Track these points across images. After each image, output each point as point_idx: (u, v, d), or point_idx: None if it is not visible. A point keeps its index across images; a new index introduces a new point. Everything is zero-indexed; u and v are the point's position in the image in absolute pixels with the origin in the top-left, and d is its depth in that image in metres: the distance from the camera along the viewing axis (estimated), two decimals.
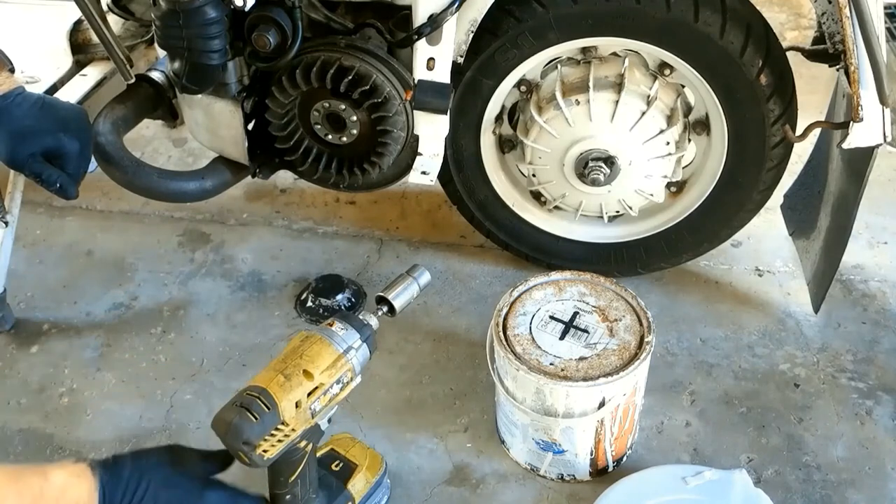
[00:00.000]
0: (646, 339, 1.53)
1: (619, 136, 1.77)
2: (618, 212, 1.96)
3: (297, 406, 1.13)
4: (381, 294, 1.31)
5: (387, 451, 1.69)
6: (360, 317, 1.26)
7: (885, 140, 1.53)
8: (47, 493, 0.94)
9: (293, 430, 1.14)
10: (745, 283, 2.06)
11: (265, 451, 1.13)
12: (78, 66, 1.90)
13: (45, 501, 0.94)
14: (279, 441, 1.13)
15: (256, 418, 1.09)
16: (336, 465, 1.47)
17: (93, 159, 1.60)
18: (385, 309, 1.31)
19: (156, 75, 1.78)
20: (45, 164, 1.44)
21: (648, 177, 1.83)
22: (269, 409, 1.10)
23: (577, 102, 1.75)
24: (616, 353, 1.51)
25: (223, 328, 1.99)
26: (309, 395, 1.15)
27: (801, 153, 2.05)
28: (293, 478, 1.25)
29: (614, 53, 1.78)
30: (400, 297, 1.31)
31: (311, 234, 2.27)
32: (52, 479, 0.96)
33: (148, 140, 2.62)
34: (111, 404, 1.82)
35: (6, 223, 1.82)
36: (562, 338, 1.55)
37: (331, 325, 1.22)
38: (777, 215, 2.12)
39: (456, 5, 1.57)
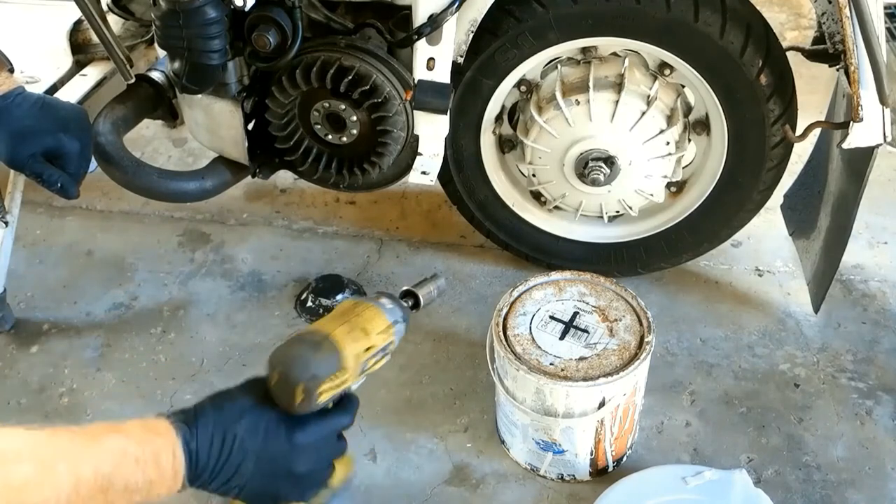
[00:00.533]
0: (646, 339, 1.53)
1: (619, 136, 1.77)
2: (618, 212, 1.96)
3: (355, 358, 1.13)
4: (409, 288, 1.32)
5: (387, 450, 1.70)
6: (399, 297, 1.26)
7: (885, 140, 1.53)
8: (130, 452, 0.83)
9: (347, 380, 1.13)
10: (745, 283, 2.06)
11: (321, 393, 1.10)
12: (78, 66, 1.90)
13: (128, 464, 0.83)
14: (335, 387, 1.10)
15: (325, 356, 1.06)
16: None
17: (93, 159, 1.60)
18: (411, 302, 1.32)
19: (156, 75, 1.78)
20: (46, 165, 1.44)
21: (648, 177, 1.83)
22: (334, 351, 1.08)
23: (577, 102, 1.75)
24: (616, 353, 1.51)
25: (223, 328, 1.99)
26: (365, 351, 1.15)
27: (801, 153, 2.05)
28: None
29: (614, 53, 1.78)
30: (425, 296, 1.32)
31: (311, 234, 2.27)
32: (132, 436, 0.85)
33: (148, 140, 2.62)
34: (111, 404, 1.81)
35: (6, 223, 1.82)
36: (562, 338, 1.55)
37: (378, 299, 1.21)
38: (777, 215, 2.12)
39: (456, 5, 1.57)
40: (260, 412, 0.96)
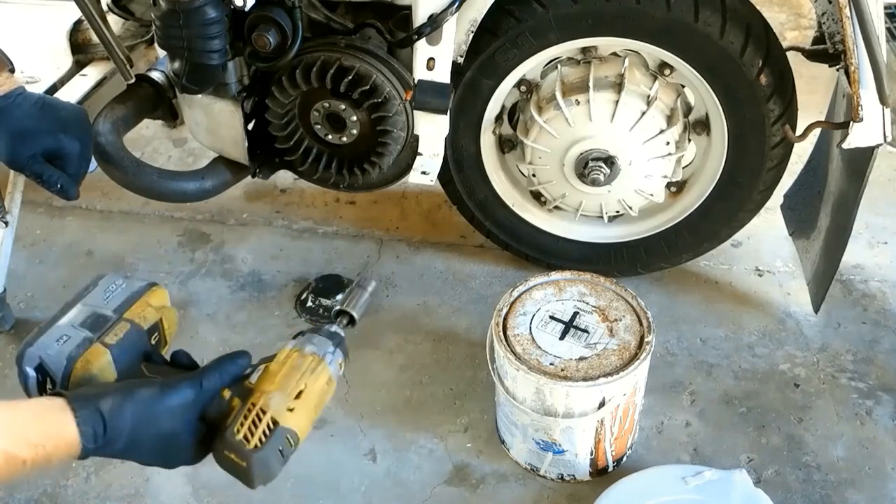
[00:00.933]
0: (646, 339, 1.53)
1: (619, 136, 1.77)
2: (618, 212, 1.96)
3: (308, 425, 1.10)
4: (341, 308, 1.29)
5: (387, 450, 1.70)
6: (329, 329, 1.23)
7: (885, 140, 1.53)
8: (28, 413, 0.88)
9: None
10: (745, 283, 2.06)
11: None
12: (78, 66, 1.90)
13: (24, 421, 0.87)
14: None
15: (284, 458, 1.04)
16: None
17: (93, 159, 1.60)
18: (346, 320, 1.30)
19: (156, 75, 1.78)
20: (46, 165, 1.43)
21: (648, 177, 1.83)
22: (293, 445, 1.05)
23: (577, 102, 1.75)
24: (616, 353, 1.51)
25: (223, 328, 1.99)
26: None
27: (801, 153, 2.05)
28: None
29: (614, 53, 1.78)
30: (359, 310, 1.30)
31: (311, 234, 2.27)
32: (30, 410, 0.89)
33: (148, 140, 2.62)
34: None
35: (6, 223, 1.82)
36: (562, 338, 1.55)
37: (304, 346, 1.18)
38: (777, 215, 2.12)
39: (456, 5, 1.57)
40: (155, 393, 0.98)
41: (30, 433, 0.85)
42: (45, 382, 1.03)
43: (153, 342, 1.12)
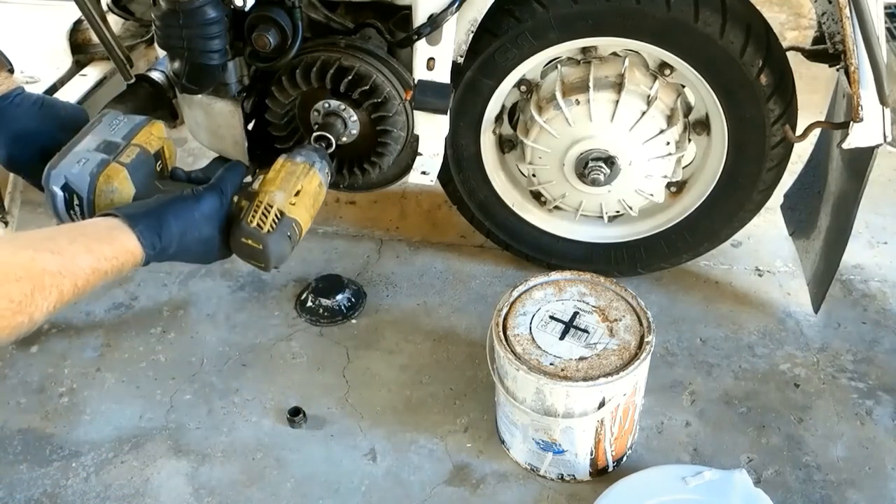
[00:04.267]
0: (646, 339, 1.53)
1: (619, 136, 1.77)
2: (618, 212, 1.96)
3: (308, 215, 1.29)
4: (319, 133, 1.53)
5: (387, 450, 1.70)
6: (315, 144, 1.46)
7: (885, 140, 1.53)
8: (94, 233, 1.02)
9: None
10: (745, 283, 2.06)
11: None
12: (78, 66, 1.90)
13: (96, 240, 1.01)
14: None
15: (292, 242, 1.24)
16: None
17: None
18: (325, 144, 1.52)
19: (156, 75, 1.78)
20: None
21: (648, 177, 1.83)
22: (299, 233, 1.25)
23: (578, 102, 1.75)
24: (616, 353, 1.51)
25: (223, 328, 1.99)
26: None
27: (801, 153, 2.05)
28: None
29: (614, 53, 1.78)
30: (335, 134, 1.51)
31: (311, 234, 2.27)
32: (97, 231, 1.04)
33: None
34: (111, 404, 1.82)
35: (6, 223, 1.81)
36: (562, 338, 1.55)
37: (294, 157, 1.34)
38: (777, 215, 2.12)
39: (456, 5, 1.57)
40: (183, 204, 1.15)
41: (105, 250, 1.00)
42: (73, 200, 1.17)
43: (159, 167, 1.28)
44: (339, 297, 2.01)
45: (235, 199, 1.20)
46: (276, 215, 1.19)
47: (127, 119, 1.29)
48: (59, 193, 1.17)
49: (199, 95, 1.70)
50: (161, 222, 1.09)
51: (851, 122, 1.51)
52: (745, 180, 1.81)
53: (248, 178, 1.25)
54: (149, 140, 1.26)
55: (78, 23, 1.89)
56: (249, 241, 1.18)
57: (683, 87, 1.82)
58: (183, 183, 1.27)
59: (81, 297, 0.96)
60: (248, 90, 1.70)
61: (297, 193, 1.25)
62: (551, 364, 1.50)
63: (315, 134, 1.48)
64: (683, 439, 1.71)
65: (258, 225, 1.18)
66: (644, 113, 1.74)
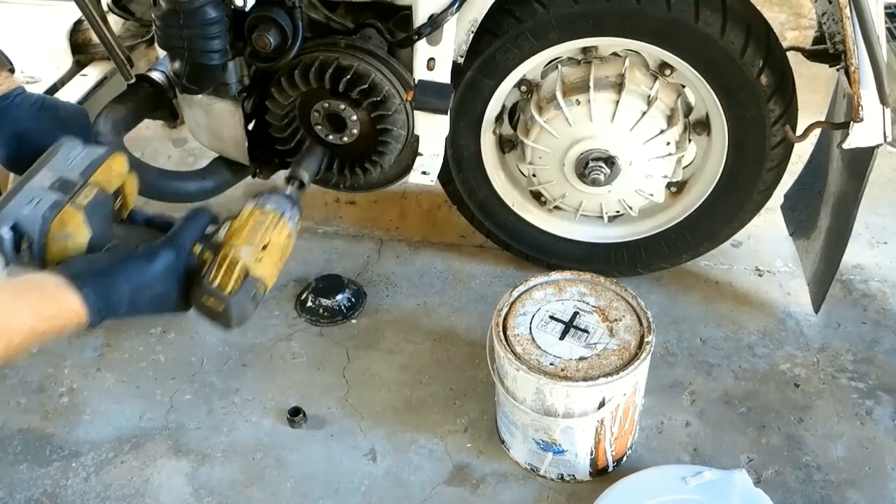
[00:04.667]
0: (646, 339, 1.53)
1: (619, 136, 1.77)
2: (618, 212, 1.96)
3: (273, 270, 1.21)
4: (290, 174, 1.45)
5: (387, 450, 1.70)
6: (285, 192, 1.33)
7: (885, 140, 1.53)
8: (39, 289, 1.00)
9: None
10: (745, 283, 2.06)
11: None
12: (78, 66, 1.90)
13: (40, 298, 0.98)
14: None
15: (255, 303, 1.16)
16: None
17: None
18: (297, 184, 1.44)
19: (156, 75, 1.78)
20: None
21: (649, 177, 1.83)
22: (263, 291, 1.17)
23: (578, 102, 1.75)
24: (616, 353, 1.51)
25: None
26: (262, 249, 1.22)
27: (801, 153, 2.05)
28: None
29: (615, 53, 1.78)
30: (310, 174, 1.41)
31: (311, 234, 2.27)
32: (40, 289, 1.00)
33: (148, 140, 2.61)
34: (111, 404, 1.82)
35: None
36: (562, 338, 1.55)
37: (264, 205, 1.25)
38: (777, 215, 2.12)
39: (456, 5, 1.57)
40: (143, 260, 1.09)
41: (48, 309, 0.97)
42: (21, 241, 1.09)
43: (117, 205, 1.19)
44: (339, 297, 2.01)
45: (197, 249, 1.13)
46: (240, 273, 1.11)
47: (86, 151, 1.20)
48: (7, 234, 1.08)
49: (200, 95, 1.70)
50: (109, 284, 1.04)
51: (851, 122, 1.51)
52: (745, 180, 1.81)
53: (216, 223, 1.17)
54: (108, 178, 1.17)
55: (78, 23, 1.89)
56: (210, 301, 1.12)
57: (684, 87, 1.82)
58: (141, 229, 1.20)
59: (15, 356, 0.93)
60: (248, 90, 1.70)
61: (265, 247, 1.17)
62: (551, 364, 1.50)
63: (287, 174, 1.41)
64: (683, 439, 1.71)
65: (220, 284, 1.10)
66: (644, 113, 1.74)
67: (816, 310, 1.88)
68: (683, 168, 1.90)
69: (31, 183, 1.13)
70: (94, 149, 1.21)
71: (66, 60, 1.89)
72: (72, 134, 1.46)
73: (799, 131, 1.68)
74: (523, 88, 1.85)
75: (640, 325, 1.56)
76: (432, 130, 1.73)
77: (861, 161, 1.59)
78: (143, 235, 1.14)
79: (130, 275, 1.06)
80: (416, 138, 1.74)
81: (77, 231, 1.11)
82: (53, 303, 0.99)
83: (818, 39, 1.69)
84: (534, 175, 1.91)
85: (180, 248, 1.11)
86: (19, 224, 1.08)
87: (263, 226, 1.18)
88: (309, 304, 2.02)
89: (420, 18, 1.60)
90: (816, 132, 1.76)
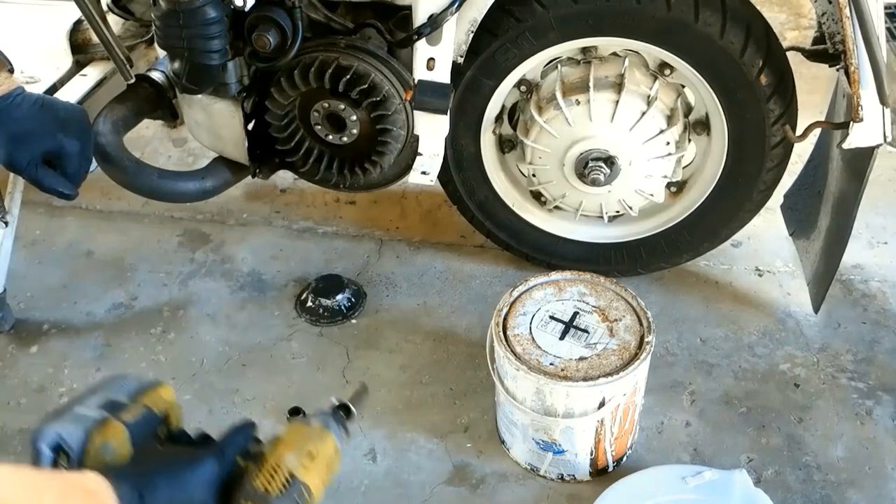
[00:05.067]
0: (646, 339, 1.53)
1: (619, 136, 1.77)
2: (618, 212, 1.96)
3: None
4: (344, 402, 1.41)
5: (387, 450, 1.70)
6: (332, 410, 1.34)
7: (885, 140, 1.53)
8: (74, 487, 0.93)
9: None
10: (745, 283, 2.06)
11: None
12: (78, 66, 1.90)
13: (75, 498, 0.92)
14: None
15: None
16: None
17: (93, 159, 1.60)
18: (344, 413, 1.40)
19: (156, 75, 1.78)
20: (45, 171, 1.44)
21: (649, 177, 1.83)
22: (310, 499, 1.14)
23: (578, 102, 1.75)
24: (616, 353, 1.51)
25: (223, 328, 1.99)
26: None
27: (801, 153, 2.05)
28: None
29: (614, 53, 1.78)
30: (358, 409, 1.42)
31: (311, 234, 2.27)
32: (80, 486, 0.94)
33: (148, 140, 2.62)
34: None
35: (6, 223, 1.82)
36: (562, 338, 1.55)
37: (325, 424, 1.25)
38: (777, 215, 2.12)
39: (456, 5, 1.57)
40: (176, 472, 1.05)
41: None
42: (59, 458, 1.06)
43: (162, 431, 1.18)
44: (339, 297, 2.01)
45: (241, 461, 1.10)
46: (285, 477, 1.09)
47: (136, 381, 1.20)
48: (48, 453, 1.06)
49: (199, 95, 1.70)
50: (148, 486, 1.00)
51: (851, 122, 1.51)
52: (745, 180, 1.81)
53: (258, 439, 1.16)
54: (156, 401, 1.17)
55: (78, 23, 1.89)
56: None
57: (683, 87, 1.82)
58: (184, 447, 1.18)
59: None
60: (247, 90, 1.70)
61: (311, 457, 1.15)
62: (551, 364, 1.50)
63: (335, 402, 1.44)
64: (683, 439, 1.71)
65: (265, 488, 1.07)
66: (644, 113, 1.74)
67: (816, 310, 1.88)
68: (683, 168, 1.90)
69: (79, 407, 1.12)
70: (144, 379, 1.22)
71: (66, 60, 1.89)
72: (72, 134, 1.46)
73: (799, 131, 1.68)
74: (523, 88, 1.85)
75: (640, 325, 1.56)
76: (432, 130, 1.73)
77: (861, 161, 1.59)
78: (184, 451, 1.12)
79: (171, 477, 1.03)
80: (416, 138, 1.74)
81: (119, 446, 1.09)
82: (91, 499, 0.94)
83: (818, 39, 1.69)
84: (534, 175, 1.91)
85: (224, 457, 1.08)
86: (61, 439, 1.07)
87: (309, 437, 1.17)
88: (309, 304, 2.02)
89: (420, 18, 1.60)
90: (816, 132, 1.76)
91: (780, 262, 2.12)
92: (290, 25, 1.57)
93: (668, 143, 1.78)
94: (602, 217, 1.97)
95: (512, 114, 1.92)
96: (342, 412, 1.39)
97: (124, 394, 1.15)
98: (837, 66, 1.57)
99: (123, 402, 1.14)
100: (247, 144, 1.76)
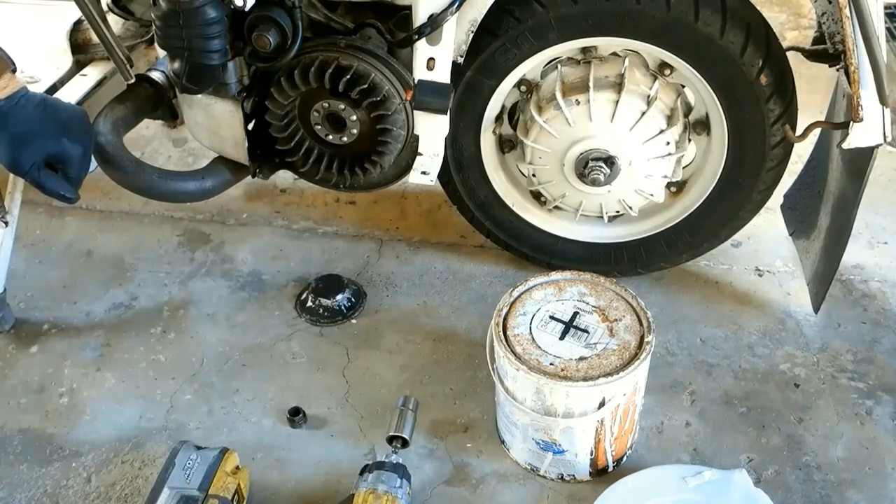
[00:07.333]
0: (646, 339, 1.53)
1: (619, 136, 1.77)
2: (618, 212, 1.96)
3: None
4: (394, 434, 1.52)
5: (387, 450, 1.70)
6: (392, 461, 1.46)
7: (885, 140, 1.53)
8: None
9: None
10: (745, 283, 2.06)
11: None
12: (78, 66, 1.90)
13: None
14: None
15: None
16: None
17: (93, 159, 1.60)
18: (399, 443, 1.51)
19: (156, 75, 1.78)
20: (48, 175, 1.44)
21: (648, 177, 1.83)
22: None
23: (578, 102, 1.75)
24: (616, 353, 1.51)
25: (223, 328, 1.99)
26: None
27: (801, 153, 2.05)
28: None
29: (614, 53, 1.78)
30: (407, 429, 1.52)
31: (311, 234, 2.27)
32: None
33: (148, 140, 2.62)
34: (111, 404, 1.82)
35: (6, 223, 1.82)
36: (562, 338, 1.55)
37: (380, 487, 1.37)
38: (777, 215, 2.12)
39: (456, 5, 1.57)
40: None
41: None
42: None
43: (234, 501, 1.29)
44: (339, 297, 2.01)
45: None
46: None
47: (200, 458, 1.29)
48: None
49: (199, 95, 1.70)
50: None
51: (851, 122, 1.51)
52: (745, 180, 1.81)
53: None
54: (225, 484, 1.26)
55: (78, 23, 1.89)
56: None
57: (683, 87, 1.82)
58: None
59: None
60: (247, 90, 1.70)
61: None
62: (551, 364, 1.50)
63: (388, 435, 1.50)
64: (683, 439, 1.71)
65: None
66: (644, 113, 1.74)
67: (816, 310, 1.88)
68: (683, 168, 1.90)
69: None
70: (208, 452, 1.31)
71: (66, 60, 1.89)
72: (73, 135, 1.46)
73: (799, 131, 1.68)
74: (523, 88, 1.85)
75: (640, 325, 1.56)
76: (432, 130, 1.73)
77: (861, 161, 1.59)
78: None
79: None
80: (416, 138, 1.75)
81: None
82: None
83: (818, 39, 1.69)
84: (533, 175, 1.91)
85: None
86: None
87: None
88: (309, 304, 2.02)
89: (420, 18, 1.60)
90: (816, 132, 1.76)
91: (780, 262, 2.12)
92: (290, 25, 1.57)
93: (668, 143, 1.78)
94: (602, 217, 1.97)
95: (512, 114, 1.92)
96: (398, 444, 1.49)
97: (194, 484, 1.26)
98: (837, 66, 1.57)
99: (197, 497, 1.24)
100: (247, 144, 1.76)
